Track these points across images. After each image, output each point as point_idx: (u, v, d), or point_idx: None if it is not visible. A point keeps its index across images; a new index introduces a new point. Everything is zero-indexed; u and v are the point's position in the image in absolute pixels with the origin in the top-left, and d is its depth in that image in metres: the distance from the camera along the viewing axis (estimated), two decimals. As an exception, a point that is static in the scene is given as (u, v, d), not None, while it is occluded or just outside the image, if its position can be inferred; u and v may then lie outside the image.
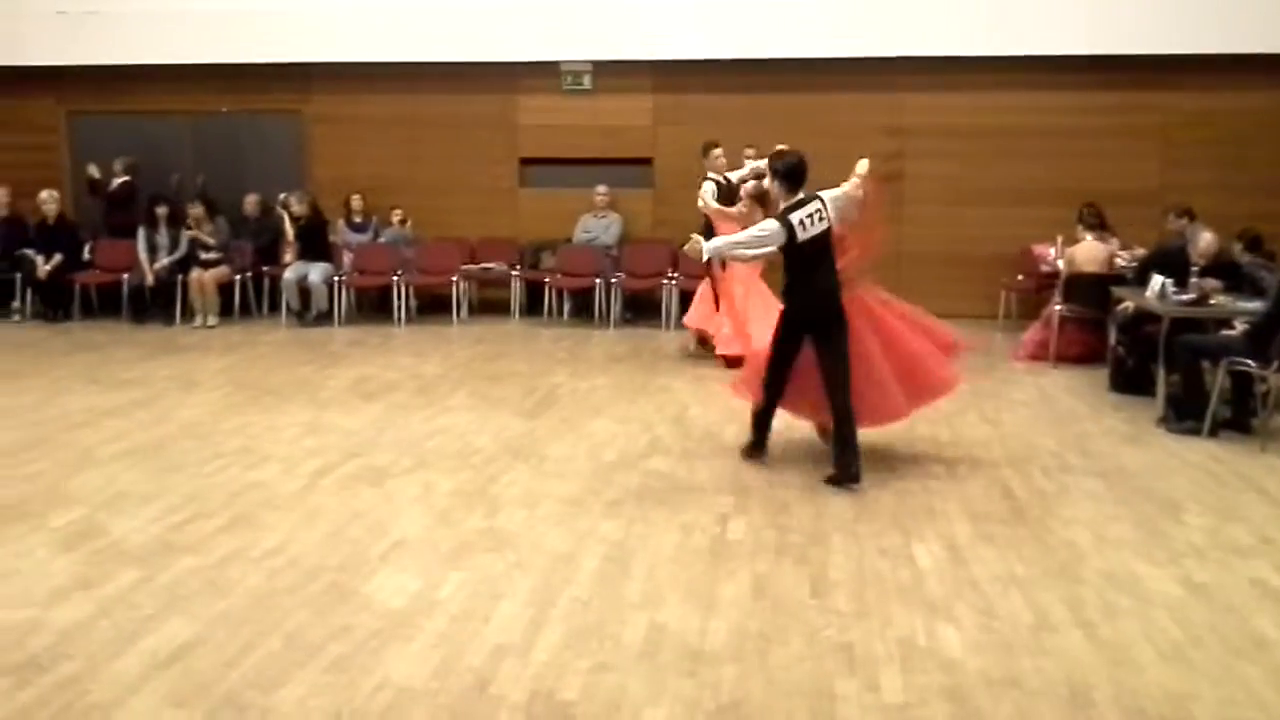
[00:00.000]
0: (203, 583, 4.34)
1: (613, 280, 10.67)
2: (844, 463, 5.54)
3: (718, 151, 9.00)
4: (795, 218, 5.53)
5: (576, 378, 8.33)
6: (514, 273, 11.13)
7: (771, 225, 5.56)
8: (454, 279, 10.93)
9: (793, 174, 5.61)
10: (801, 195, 5.60)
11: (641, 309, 10.92)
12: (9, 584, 4.32)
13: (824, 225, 5.59)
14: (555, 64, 11.29)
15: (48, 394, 7.71)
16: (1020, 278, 10.39)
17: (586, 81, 11.37)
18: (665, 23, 10.84)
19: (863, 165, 5.92)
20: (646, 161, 11.26)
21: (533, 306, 11.15)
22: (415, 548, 4.75)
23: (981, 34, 10.37)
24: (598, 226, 11.07)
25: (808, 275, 5.64)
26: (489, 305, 11.50)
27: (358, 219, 11.36)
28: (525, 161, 11.52)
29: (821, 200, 5.62)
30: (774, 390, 5.84)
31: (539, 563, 4.56)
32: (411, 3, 11.10)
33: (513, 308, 11.10)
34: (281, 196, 11.03)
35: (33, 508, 5.24)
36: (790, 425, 6.26)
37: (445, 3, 11.06)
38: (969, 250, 10.74)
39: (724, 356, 8.33)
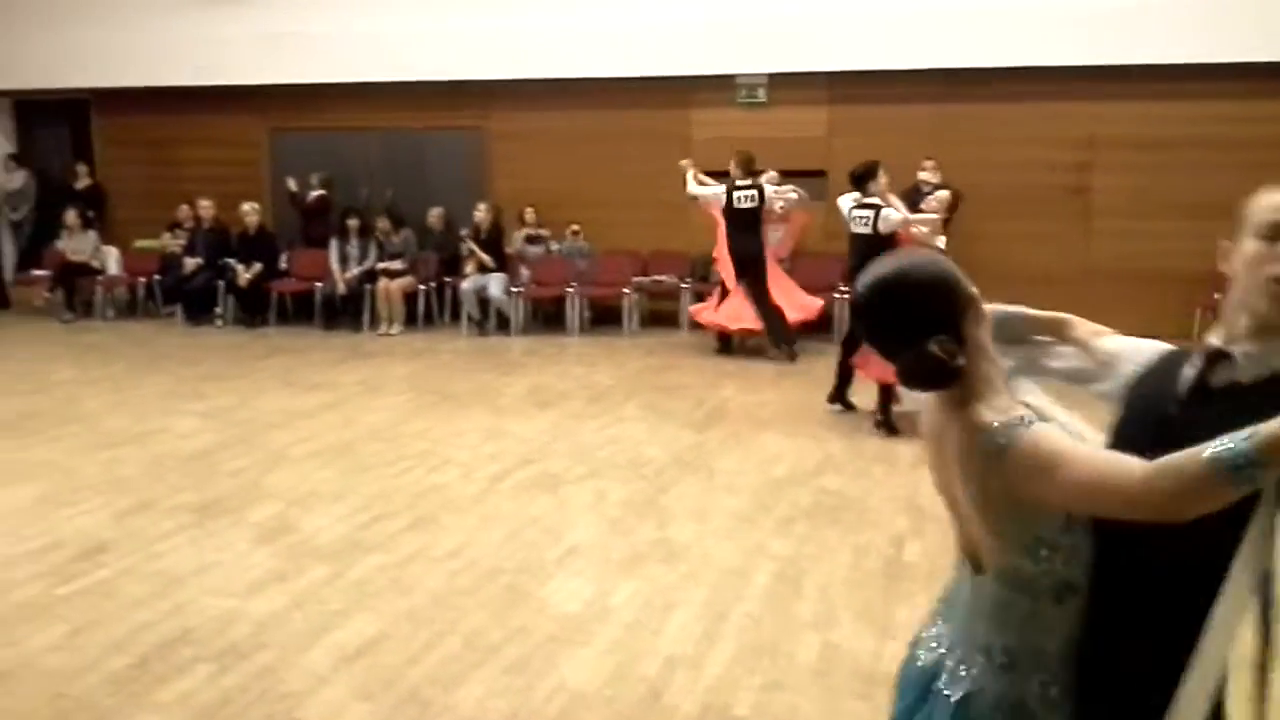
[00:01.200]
0: (387, 580, 4.52)
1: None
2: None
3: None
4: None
5: (746, 391, 8.33)
6: (684, 285, 11.20)
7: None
8: (625, 291, 11.08)
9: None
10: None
11: (811, 323, 10.81)
12: (213, 574, 4.60)
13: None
14: (730, 77, 11.32)
15: (246, 396, 8.17)
16: (1217, 296, 9.84)
17: (761, 94, 11.35)
18: (842, 33, 10.73)
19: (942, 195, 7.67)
20: (820, 174, 11.16)
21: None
22: (589, 554, 4.83)
23: (1187, 39, 9.88)
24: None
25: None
26: (659, 317, 11.60)
27: (534, 232, 11.64)
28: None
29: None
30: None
31: (709, 576, 4.57)
32: (588, 22, 11.33)
33: (682, 320, 11.17)
34: (463, 232, 11.36)
35: (233, 503, 5.57)
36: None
37: (620, 21, 11.24)
38: (1161, 265, 10.23)
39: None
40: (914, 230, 7.51)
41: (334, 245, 11.47)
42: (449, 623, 4.10)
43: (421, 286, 11.47)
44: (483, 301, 11.12)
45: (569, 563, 4.73)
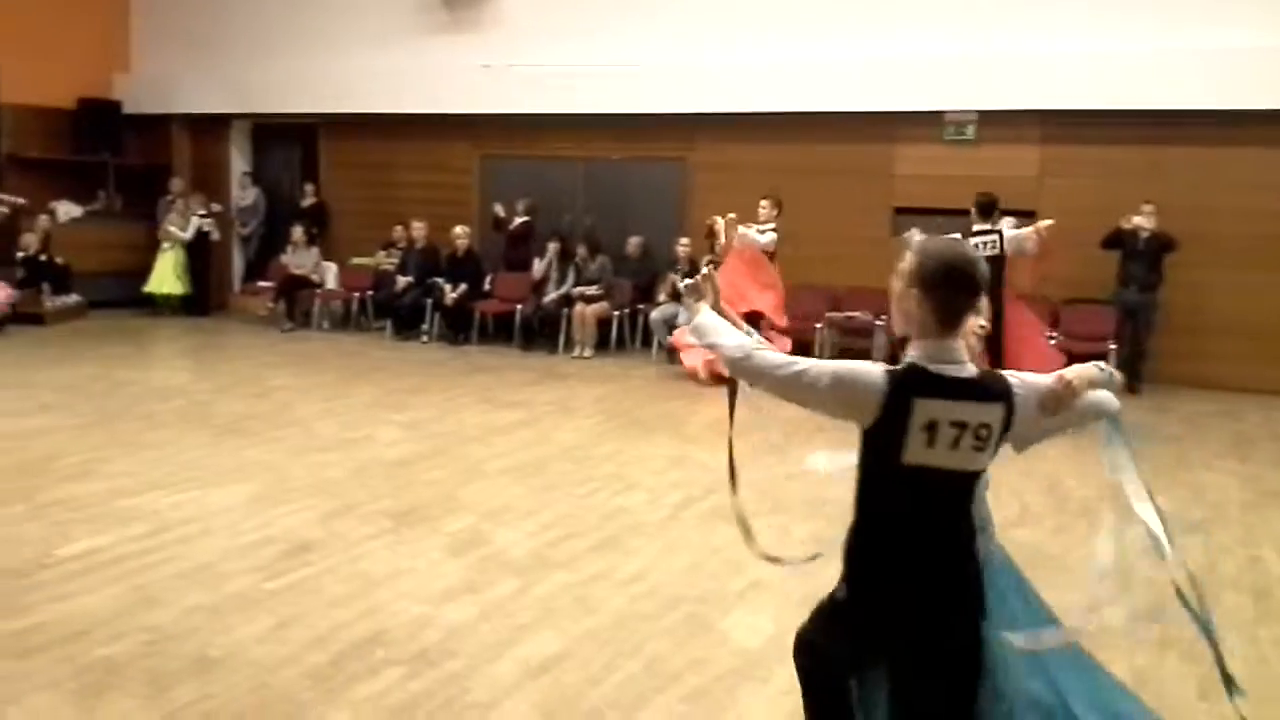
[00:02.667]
0: (572, 599, 4.59)
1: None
2: None
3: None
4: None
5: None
6: (878, 322, 11.00)
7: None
8: (817, 326, 10.97)
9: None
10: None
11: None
12: (408, 580, 4.78)
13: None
14: (938, 114, 11.10)
15: (446, 410, 8.48)
16: None
17: (970, 131, 11.09)
18: (1056, 71, 10.36)
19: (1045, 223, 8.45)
20: (1029, 214, 10.79)
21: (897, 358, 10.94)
22: (771, 590, 4.77)
23: None
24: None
25: None
26: (850, 354, 11.41)
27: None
28: (900, 211, 11.38)
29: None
30: None
31: (896, 621, 4.44)
32: (793, 55, 11.33)
33: (875, 357, 10.95)
34: (678, 269, 11.45)
35: (430, 513, 5.77)
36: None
37: (827, 55, 11.19)
38: None
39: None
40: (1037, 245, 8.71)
41: (535, 269, 11.84)
42: (630, 646, 4.12)
43: (615, 312, 11.67)
44: (673, 330, 11.21)
45: (751, 597, 4.69)
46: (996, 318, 8.86)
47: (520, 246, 12.29)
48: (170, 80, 14.46)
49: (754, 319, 9.42)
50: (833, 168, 11.58)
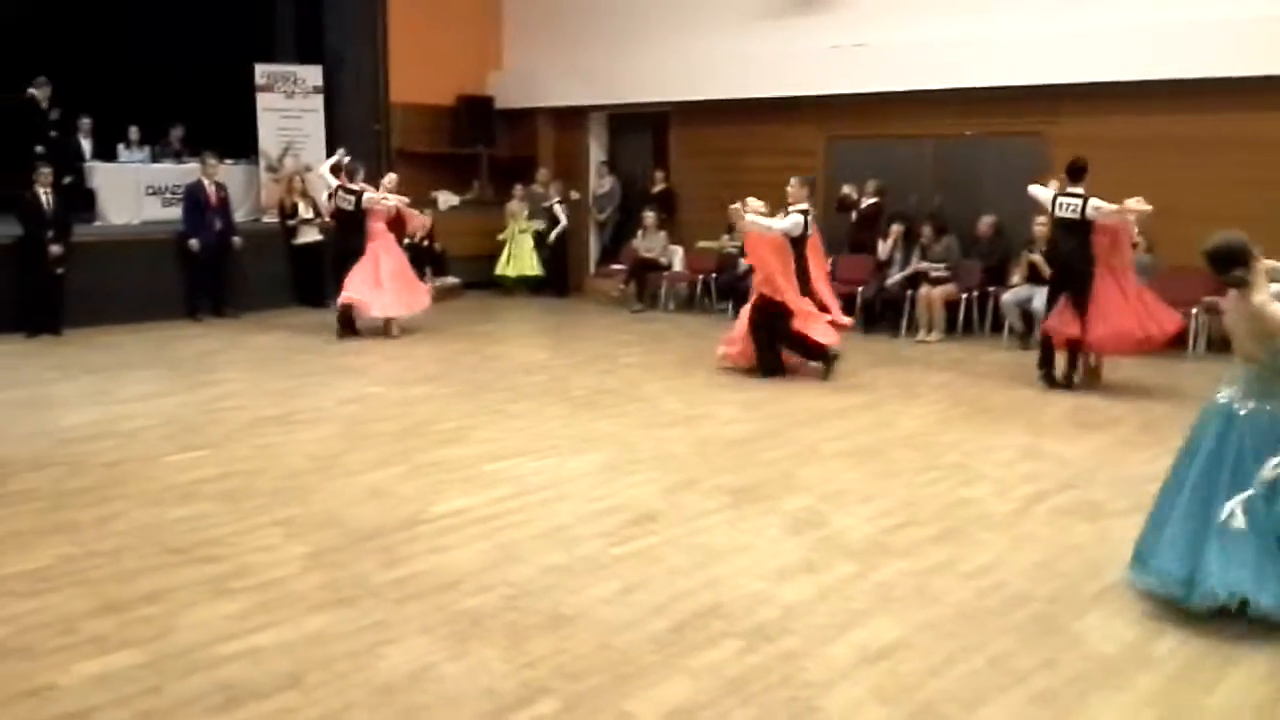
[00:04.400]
0: (912, 588, 4.48)
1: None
2: None
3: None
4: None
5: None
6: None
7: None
8: (1193, 311, 10.04)
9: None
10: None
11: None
12: (746, 556, 4.85)
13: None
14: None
15: (783, 391, 8.51)
16: None
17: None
18: None
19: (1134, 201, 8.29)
20: None
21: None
22: (1130, 596, 4.44)
23: None
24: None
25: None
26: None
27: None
28: (1292, 186, 10.19)
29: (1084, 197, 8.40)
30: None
31: None
32: (1176, 17, 10.38)
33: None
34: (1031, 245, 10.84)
35: (768, 491, 5.82)
36: None
37: (1223, 12, 10.14)
38: None
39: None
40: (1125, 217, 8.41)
41: (880, 250, 11.61)
42: (974, 641, 3.97)
43: (963, 295, 11.25)
44: (1026, 314, 10.66)
45: (1108, 600, 4.38)
46: (1080, 282, 8.50)
47: (868, 228, 12.09)
48: (536, 75, 15.41)
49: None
50: (1215, 139, 10.53)
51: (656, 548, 4.93)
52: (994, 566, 4.75)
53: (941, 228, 11.50)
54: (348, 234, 10.72)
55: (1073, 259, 8.59)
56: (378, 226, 10.65)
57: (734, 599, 4.33)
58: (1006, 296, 10.73)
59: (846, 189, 12.31)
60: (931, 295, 11.13)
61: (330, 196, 10.82)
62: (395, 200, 10.74)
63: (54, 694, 3.48)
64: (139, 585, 4.38)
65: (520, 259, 14.51)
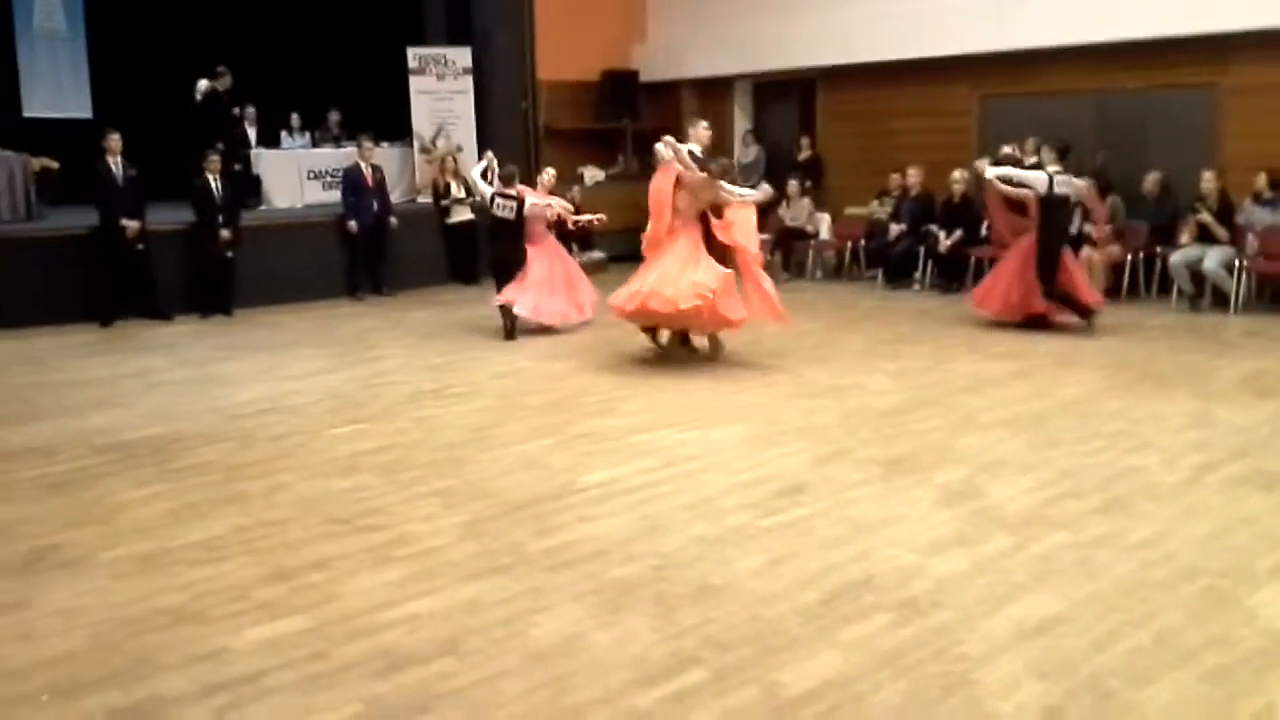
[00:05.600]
0: (1073, 561, 4.33)
1: None
2: None
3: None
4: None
5: None
6: None
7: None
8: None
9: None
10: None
11: None
12: (897, 528, 4.76)
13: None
14: None
15: (937, 359, 8.31)
16: None
17: None
18: None
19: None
20: None
21: None
22: (1313, 569, 4.19)
23: None
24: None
25: None
26: None
27: (1267, 197, 10.29)
28: None
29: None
30: None
31: None
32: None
33: None
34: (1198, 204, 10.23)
35: (921, 461, 5.70)
36: None
37: None
38: None
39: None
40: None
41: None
42: (1139, 615, 3.80)
43: (1129, 257, 10.74)
44: (1195, 275, 10.12)
45: (1288, 574, 4.15)
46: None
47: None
48: (680, 47, 15.36)
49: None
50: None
51: (805, 520, 4.88)
52: (1161, 539, 4.54)
53: (1106, 186, 10.98)
54: (504, 241, 9.88)
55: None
56: (538, 230, 10.05)
57: (885, 571, 4.26)
58: (1175, 257, 10.22)
59: (1007, 149, 11.85)
60: (1094, 257, 10.66)
61: (491, 202, 9.91)
62: (558, 204, 10.26)
63: (228, 657, 3.67)
64: (305, 554, 4.58)
65: None
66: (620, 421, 6.66)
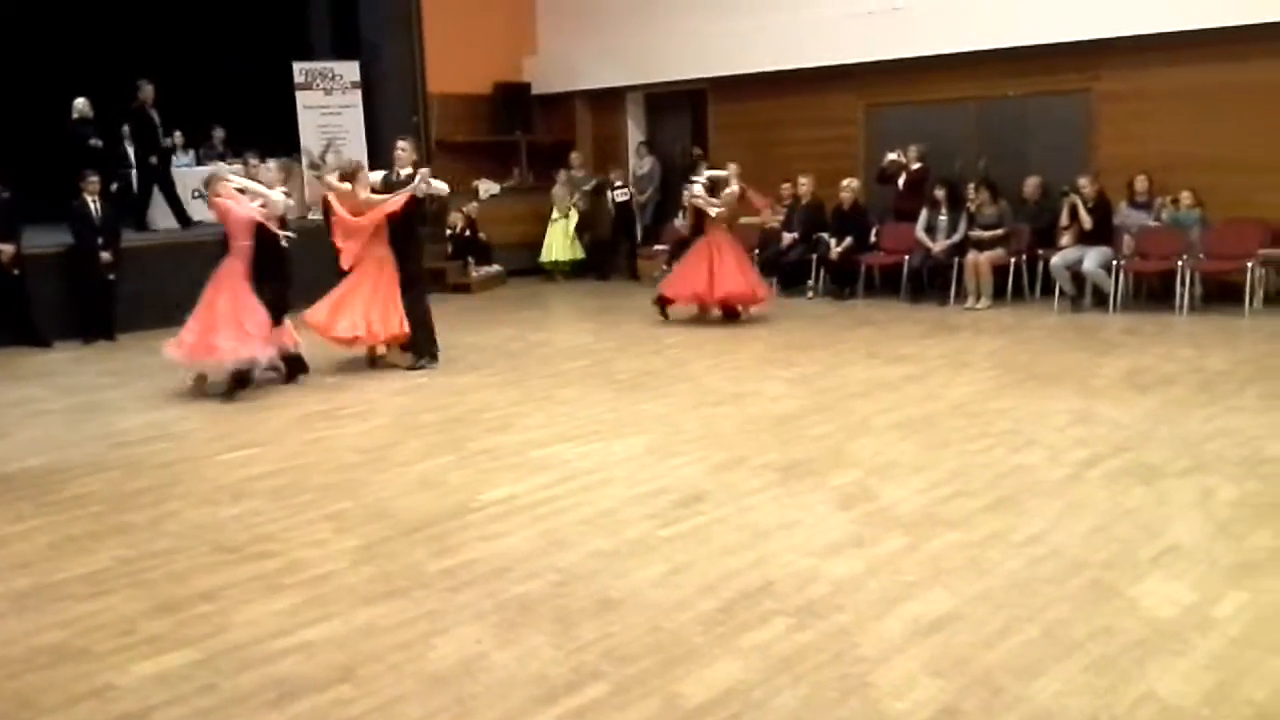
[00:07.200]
0: (964, 559, 4.42)
1: None
2: None
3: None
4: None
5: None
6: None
7: None
8: (1249, 264, 9.81)
9: None
10: None
11: None
12: (794, 533, 4.81)
13: None
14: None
15: (832, 365, 8.44)
16: None
17: None
18: None
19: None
20: None
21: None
22: (1190, 556, 4.35)
23: None
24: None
25: None
26: (1290, 295, 10.13)
27: (1141, 199, 10.71)
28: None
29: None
30: None
31: (1346, 598, 3.90)
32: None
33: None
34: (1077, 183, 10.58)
35: (816, 467, 5.78)
36: None
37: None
38: None
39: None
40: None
41: (924, 217, 11.46)
42: (1028, 610, 3.90)
43: (1012, 260, 11.07)
44: (1076, 276, 10.48)
45: (1166, 563, 4.30)
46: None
47: (912, 196, 11.93)
48: (571, 58, 15.37)
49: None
50: (1261, 88, 10.27)
51: (704, 528, 4.91)
52: (1047, 534, 4.67)
53: (995, 191, 11.28)
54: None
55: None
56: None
57: (783, 577, 4.30)
58: (1056, 259, 10.56)
59: (892, 155, 12.13)
60: (979, 261, 10.97)
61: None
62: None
63: (113, 694, 3.54)
64: (193, 584, 4.44)
65: (554, 244, 14.58)
66: (520, 437, 6.62)
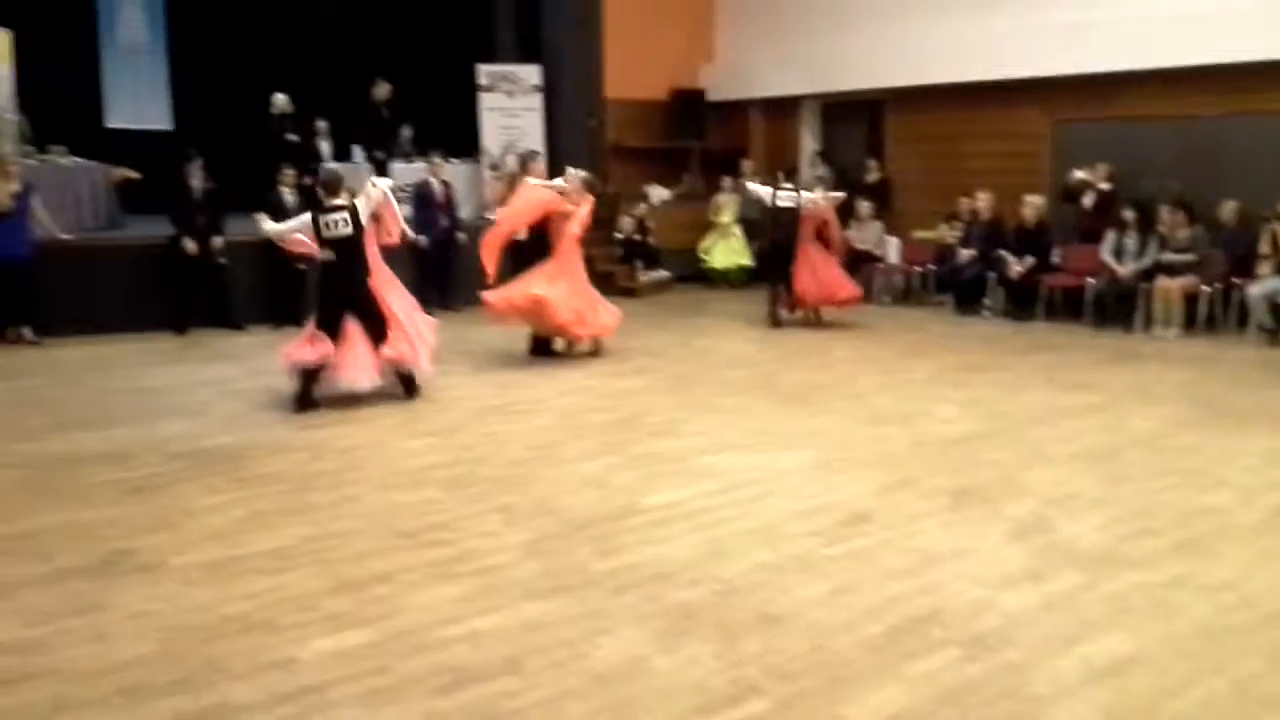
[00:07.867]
0: (1147, 601, 4.23)
1: None
2: None
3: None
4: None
5: None
6: None
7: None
8: None
9: None
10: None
11: None
12: (966, 561, 4.68)
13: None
14: None
15: (1008, 389, 8.18)
16: None
17: None
18: None
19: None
20: None
21: None
22: (1401, 619, 4.05)
23: None
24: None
25: None
26: None
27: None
28: None
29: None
30: None
31: None
32: None
33: None
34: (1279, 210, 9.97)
35: (989, 493, 5.61)
36: None
37: None
38: None
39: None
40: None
41: (1110, 239, 11.00)
42: (1215, 661, 3.70)
43: (1205, 288, 10.51)
44: (1275, 309, 9.88)
45: (1373, 622, 4.01)
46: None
47: (1099, 216, 11.44)
48: (747, 66, 15.36)
49: None
50: None
51: (870, 549, 4.83)
52: (1238, 581, 4.42)
53: (1191, 214, 10.73)
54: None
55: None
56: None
57: (953, 605, 4.20)
58: (1253, 289, 9.98)
59: (1079, 174, 11.65)
60: (1170, 287, 10.45)
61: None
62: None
63: (294, 667, 3.71)
64: (371, 566, 4.63)
65: (720, 252, 14.56)
66: (683, 443, 6.65)
